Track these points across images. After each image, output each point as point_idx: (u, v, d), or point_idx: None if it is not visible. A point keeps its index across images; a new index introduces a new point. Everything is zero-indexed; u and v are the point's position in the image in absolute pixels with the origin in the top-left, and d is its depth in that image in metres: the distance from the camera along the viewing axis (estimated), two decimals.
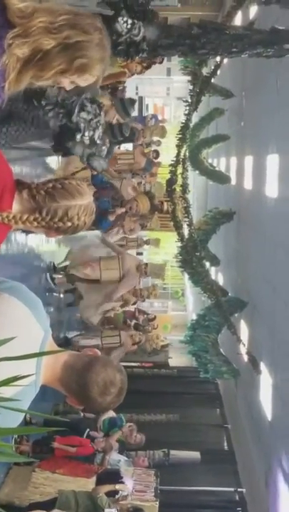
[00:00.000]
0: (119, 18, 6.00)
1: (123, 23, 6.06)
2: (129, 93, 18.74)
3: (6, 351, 1.71)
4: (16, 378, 1.62)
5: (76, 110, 5.66)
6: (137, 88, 28.91)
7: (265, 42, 6.68)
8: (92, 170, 8.18)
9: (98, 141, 7.83)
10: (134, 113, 13.20)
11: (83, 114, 5.89)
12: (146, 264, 11.64)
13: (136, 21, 6.00)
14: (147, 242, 16.46)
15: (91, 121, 6.23)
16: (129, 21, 6.01)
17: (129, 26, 5.98)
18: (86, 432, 9.08)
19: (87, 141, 6.43)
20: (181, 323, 26.29)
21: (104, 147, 8.48)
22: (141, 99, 29.43)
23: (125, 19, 6.06)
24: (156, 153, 14.46)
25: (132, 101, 9.94)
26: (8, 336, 1.85)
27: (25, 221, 2.47)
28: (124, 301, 11.37)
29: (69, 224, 2.52)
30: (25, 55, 2.40)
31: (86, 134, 6.63)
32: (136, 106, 10.95)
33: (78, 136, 6.70)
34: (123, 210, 10.65)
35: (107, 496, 7.52)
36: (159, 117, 19.11)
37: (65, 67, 2.48)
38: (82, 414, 9.69)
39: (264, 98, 12.30)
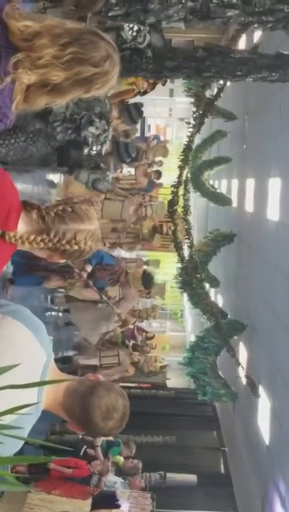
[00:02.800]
0: (125, 25, 6.05)
1: (128, 30, 6.11)
2: None
3: (9, 375, 1.70)
4: (20, 407, 1.60)
5: (85, 125, 5.66)
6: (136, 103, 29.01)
7: (270, 66, 6.72)
8: (97, 191, 8.18)
9: (103, 166, 7.85)
10: (137, 134, 13.27)
11: (91, 129, 5.89)
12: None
13: (142, 28, 6.04)
14: (147, 263, 16.46)
15: (99, 136, 6.23)
16: (135, 28, 6.05)
17: (134, 34, 6.02)
18: (83, 449, 9.02)
19: (94, 153, 6.42)
20: (179, 343, 26.21)
21: (108, 172, 8.51)
22: (143, 119, 29.56)
23: (131, 26, 6.10)
24: (158, 174, 14.51)
25: (137, 107, 9.95)
26: (11, 359, 1.83)
27: (32, 241, 2.45)
28: (124, 322, 11.34)
29: (75, 247, 2.50)
30: (33, 83, 2.41)
31: (94, 148, 6.63)
32: (138, 126, 10.91)
33: (86, 150, 6.70)
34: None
35: None
36: (161, 138, 19.19)
37: (81, 96, 2.52)
38: (80, 436, 9.63)
39: (267, 121, 12.36)
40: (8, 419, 1.74)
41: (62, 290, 10.82)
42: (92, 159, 7.14)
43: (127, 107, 9.67)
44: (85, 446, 9.02)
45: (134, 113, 9.07)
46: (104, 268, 9.62)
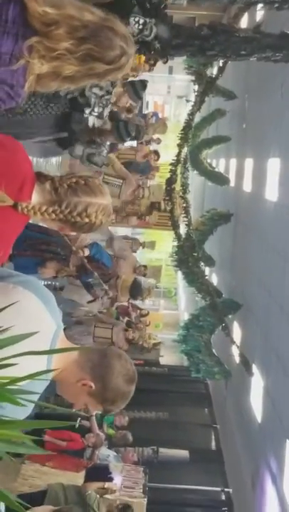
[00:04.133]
0: (131, 19, 6.00)
1: (134, 24, 6.05)
2: None
3: (19, 343, 1.73)
4: (38, 373, 1.64)
5: (89, 84, 5.62)
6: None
7: (274, 46, 6.72)
8: (93, 165, 8.16)
9: (98, 140, 7.82)
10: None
11: (96, 90, 5.84)
12: (145, 266, 11.67)
13: (148, 20, 6.00)
14: (143, 245, 16.49)
15: (102, 97, 6.18)
16: (141, 21, 6.00)
17: (140, 27, 5.97)
18: (78, 420, 9.10)
19: (95, 115, 6.36)
20: (172, 321, 26.31)
21: (103, 148, 8.48)
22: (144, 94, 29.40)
23: (137, 19, 6.04)
24: (157, 156, 14.43)
25: (143, 83, 9.90)
26: (22, 328, 1.87)
27: (44, 212, 2.48)
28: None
29: (86, 220, 2.53)
30: (44, 72, 2.43)
31: (96, 109, 6.57)
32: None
33: (87, 111, 6.66)
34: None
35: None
36: (160, 115, 19.12)
37: (94, 82, 2.56)
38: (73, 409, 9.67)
39: (268, 101, 12.33)
40: (19, 385, 1.79)
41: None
42: (89, 133, 7.12)
43: (132, 81, 9.64)
44: (79, 418, 9.09)
45: (138, 87, 9.02)
46: (99, 267, 9.64)
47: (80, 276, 9.69)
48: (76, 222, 2.54)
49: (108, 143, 8.73)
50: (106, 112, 5.99)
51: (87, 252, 9.22)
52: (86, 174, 2.59)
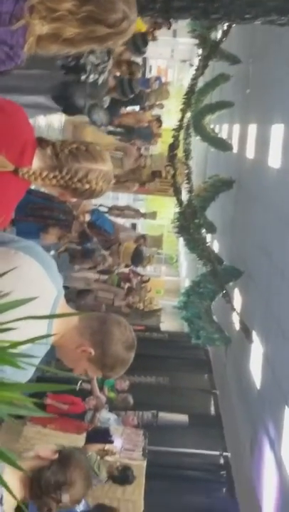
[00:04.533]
0: None
1: None
2: None
3: (20, 308, 1.74)
4: (40, 337, 1.65)
5: (85, 53, 5.63)
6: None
7: (280, 9, 6.61)
8: (92, 122, 8.12)
9: (100, 94, 7.76)
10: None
11: (91, 58, 5.84)
12: (145, 236, 11.67)
13: None
14: (144, 216, 16.47)
15: (98, 65, 6.18)
16: None
17: None
18: (79, 383, 9.18)
19: (90, 81, 6.35)
20: (173, 288, 26.40)
21: (105, 98, 8.41)
22: (144, 60, 29.06)
23: None
24: (160, 123, 14.31)
25: (144, 37, 9.79)
26: (23, 293, 1.87)
27: (45, 178, 2.47)
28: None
29: (87, 186, 2.53)
30: (44, 33, 2.39)
31: (91, 76, 6.57)
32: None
33: (83, 77, 6.64)
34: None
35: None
36: (163, 80, 18.93)
37: (93, 48, 2.51)
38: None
39: (272, 66, 12.18)
40: (20, 349, 1.80)
41: None
42: (90, 87, 7.10)
43: (133, 36, 9.54)
44: (80, 381, 9.19)
45: (139, 42, 8.94)
46: (101, 233, 9.64)
47: (81, 242, 9.71)
48: (77, 188, 2.53)
49: (108, 97, 8.69)
50: (101, 79, 5.99)
51: (88, 218, 9.23)
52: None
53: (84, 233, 9.52)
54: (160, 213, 23.25)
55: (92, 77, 5.81)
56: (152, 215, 17.58)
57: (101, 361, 2.50)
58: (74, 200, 2.70)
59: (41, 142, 2.52)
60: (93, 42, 2.44)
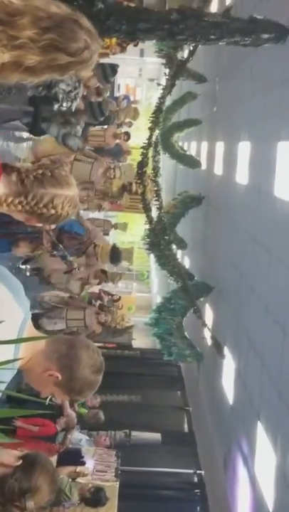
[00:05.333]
0: None
1: None
2: None
3: None
4: (5, 362, 1.65)
5: (55, 81, 5.67)
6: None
7: (243, 31, 6.73)
8: (68, 149, 8.16)
9: (73, 121, 7.85)
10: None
11: (62, 85, 5.87)
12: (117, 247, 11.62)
13: None
14: (115, 227, 16.49)
15: (70, 92, 6.22)
16: None
17: None
18: (48, 398, 9.08)
19: (64, 109, 6.39)
20: (145, 304, 26.41)
21: (78, 126, 8.47)
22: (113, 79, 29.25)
23: None
24: (128, 136, 14.42)
25: (113, 68, 9.86)
26: None
27: (10, 204, 2.48)
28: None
29: (52, 212, 2.54)
30: (6, 62, 2.38)
31: (64, 104, 6.61)
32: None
33: (56, 106, 6.69)
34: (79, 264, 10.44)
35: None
36: (131, 98, 19.05)
37: (55, 77, 2.50)
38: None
39: (238, 85, 12.33)
40: None
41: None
42: (63, 115, 7.14)
43: (103, 64, 9.60)
44: (50, 395, 9.09)
45: (108, 72, 9.00)
46: (74, 237, 9.59)
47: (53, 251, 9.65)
48: (42, 213, 2.54)
49: (83, 124, 8.75)
50: (74, 106, 6.04)
51: (53, 226, 9.17)
52: (53, 163, 2.58)
53: (53, 242, 9.47)
54: (130, 229, 23.29)
55: (65, 105, 5.85)
56: (123, 226, 17.60)
57: (68, 385, 2.51)
58: (40, 224, 2.70)
59: (6, 168, 2.52)
60: (55, 71, 2.44)
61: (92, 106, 8.65)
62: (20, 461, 2.87)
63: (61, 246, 9.50)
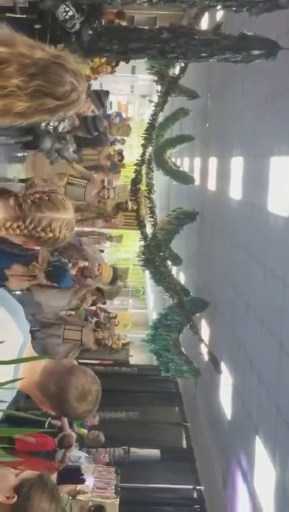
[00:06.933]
0: (62, 6, 6.17)
1: (63, 12, 6.23)
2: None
3: None
4: (5, 383, 1.68)
5: None
6: (101, 85, 28.83)
7: (234, 48, 6.80)
8: (64, 159, 8.22)
9: (67, 138, 7.92)
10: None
11: None
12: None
13: (76, 15, 6.15)
14: (110, 239, 16.54)
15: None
16: (70, 13, 6.17)
17: (67, 17, 6.14)
18: (47, 421, 9.06)
19: (51, 129, 6.48)
20: (141, 321, 26.36)
21: (70, 146, 8.55)
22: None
23: (67, 9, 6.21)
24: (121, 157, 14.45)
25: (106, 93, 10.00)
26: None
27: (8, 228, 2.51)
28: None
29: (50, 235, 2.57)
30: None
31: (51, 123, 6.68)
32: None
33: (43, 125, 6.75)
34: (86, 263, 10.43)
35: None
36: (123, 115, 19.17)
37: (45, 119, 2.54)
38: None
39: (229, 101, 12.44)
40: None
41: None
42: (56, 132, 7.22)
43: (97, 91, 9.75)
44: (49, 418, 9.05)
45: (103, 97, 9.14)
46: (70, 248, 9.59)
47: (50, 273, 9.57)
48: (40, 237, 2.58)
49: (74, 146, 8.84)
50: (61, 127, 6.14)
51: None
52: (49, 189, 2.62)
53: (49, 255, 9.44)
54: (125, 246, 23.33)
55: (52, 125, 5.94)
56: (118, 239, 17.64)
57: (63, 415, 2.57)
58: (37, 248, 2.74)
59: (3, 193, 2.56)
60: (44, 114, 2.47)
61: (87, 121, 8.73)
62: (15, 498, 2.79)
63: (56, 253, 9.49)
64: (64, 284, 9.19)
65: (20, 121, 2.46)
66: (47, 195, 2.58)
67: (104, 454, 10.03)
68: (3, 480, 2.79)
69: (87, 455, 9.60)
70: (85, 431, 10.31)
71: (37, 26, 6.45)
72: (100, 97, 9.02)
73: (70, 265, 9.87)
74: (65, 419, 9.41)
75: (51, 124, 6.68)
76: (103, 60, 10.46)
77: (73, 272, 9.61)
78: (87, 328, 11.75)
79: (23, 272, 8.82)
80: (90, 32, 6.47)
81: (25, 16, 6.52)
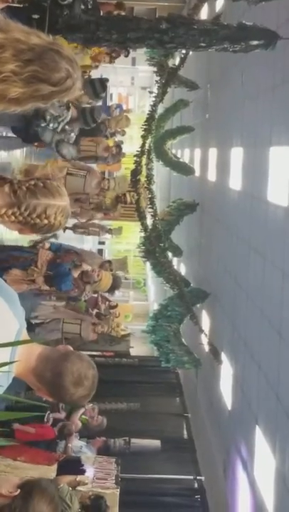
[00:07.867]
0: None
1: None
2: None
3: None
4: (2, 364, 1.69)
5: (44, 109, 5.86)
6: (101, 76, 28.81)
7: (233, 37, 6.78)
8: (61, 157, 8.21)
9: (67, 127, 7.92)
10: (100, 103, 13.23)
11: (51, 110, 6.00)
12: (110, 261, 11.72)
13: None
14: (110, 232, 16.53)
15: (57, 117, 6.36)
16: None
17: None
18: (47, 414, 9.08)
19: (51, 127, 6.53)
20: (142, 312, 26.40)
21: (72, 134, 8.54)
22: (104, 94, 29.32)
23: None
24: (119, 149, 14.41)
25: (103, 83, 9.92)
26: None
27: (3, 215, 2.52)
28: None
29: (45, 222, 2.58)
30: None
31: (50, 125, 6.73)
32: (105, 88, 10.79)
33: (43, 125, 6.79)
34: (88, 267, 10.40)
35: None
36: (124, 107, 19.13)
37: (39, 105, 2.53)
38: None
39: (229, 91, 12.41)
40: None
41: None
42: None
43: (92, 80, 9.65)
44: (48, 412, 9.08)
45: (98, 87, 9.06)
46: (72, 254, 9.62)
47: (49, 277, 9.54)
48: (36, 223, 2.58)
49: (77, 131, 8.81)
50: (61, 127, 6.19)
51: (47, 245, 9.17)
52: (45, 175, 2.62)
53: (53, 260, 9.44)
54: (126, 238, 23.30)
55: (51, 126, 5.97)
56: (118, 231, 17.63)
57: (57, 396, 2.57)
58: (33, 234, 2.75)
59: None
60: (38, 100, 2.47)
61: (85, 112, 8.72)
62: (18, 491, 2.87)
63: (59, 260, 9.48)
64: (64, 287, 9.15)
65: (14, 108, 2.46)
66: (42, 181, 2.59)
67: (101, 438, 10.12)
68: (8, 480, 2.91)
69: (86, 443, 9.66)
70: (86, 417, 10.34)
71: (35, 16, 6.43)
72: (94, 89, 8.93)
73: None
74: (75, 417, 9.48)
75: (50, 125, 6.71)
76: (102, 49, 10.45)
77: (75, 274, 9.59)
78: (86, 322, 11.78)
79: (22, 276, 8.78)
80: (83, 7, 6.48)
81: (21, 5, 6.50)
